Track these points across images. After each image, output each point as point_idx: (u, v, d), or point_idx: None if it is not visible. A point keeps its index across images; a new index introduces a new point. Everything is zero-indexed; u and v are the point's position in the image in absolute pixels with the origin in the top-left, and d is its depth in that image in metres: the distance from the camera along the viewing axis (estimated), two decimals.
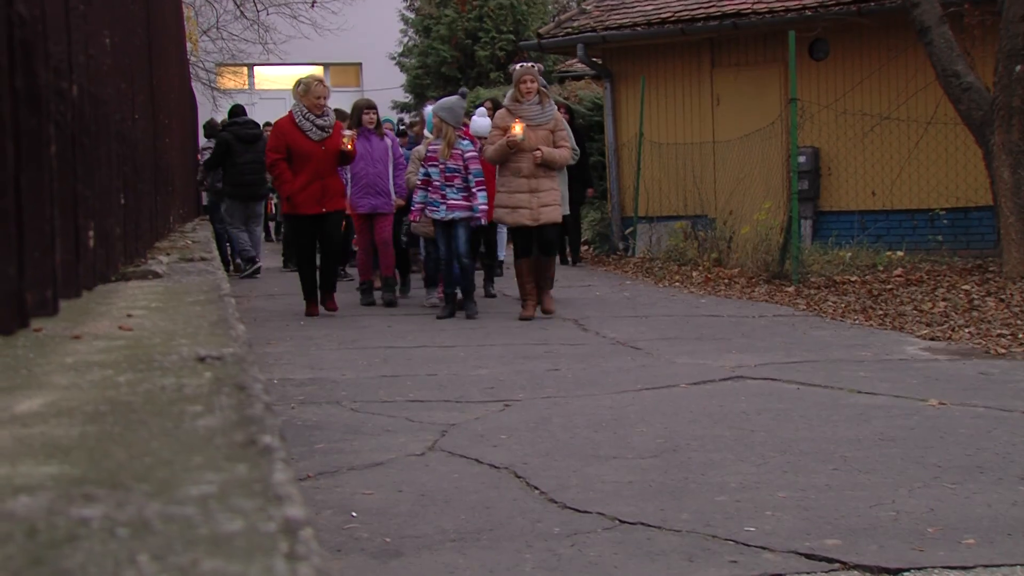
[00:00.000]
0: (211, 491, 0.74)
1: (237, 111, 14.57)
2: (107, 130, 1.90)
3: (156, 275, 2.52)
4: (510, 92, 9.78)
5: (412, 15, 24.58)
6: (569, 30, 16.82)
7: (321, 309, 10.27)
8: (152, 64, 3.22)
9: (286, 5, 19.86)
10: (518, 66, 9.91)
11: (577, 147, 11.45)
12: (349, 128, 10.72)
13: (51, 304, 1.13)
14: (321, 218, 10.06)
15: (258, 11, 19.67)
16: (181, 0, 8.75)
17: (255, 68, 26.06)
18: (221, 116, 22.38)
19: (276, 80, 25.18)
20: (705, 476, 4.60)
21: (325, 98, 10.05)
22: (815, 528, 3.91)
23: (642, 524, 3.98)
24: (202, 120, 16.03)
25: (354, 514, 4.16)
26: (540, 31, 17.91)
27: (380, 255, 11.15)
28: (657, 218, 15.87)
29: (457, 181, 9.79)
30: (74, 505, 0.74)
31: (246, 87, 25.80)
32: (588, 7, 17.63)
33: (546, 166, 9.72)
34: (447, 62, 22.62)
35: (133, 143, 2.29)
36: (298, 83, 10.15)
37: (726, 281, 12.09)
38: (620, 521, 4.02)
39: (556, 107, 9.69)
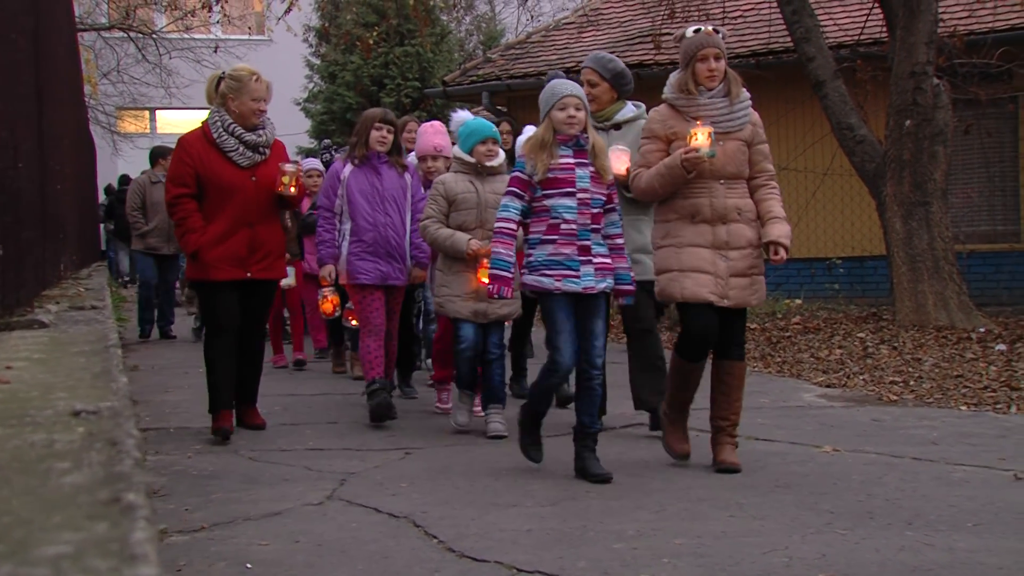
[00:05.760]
0: (67, 551, 0.73)
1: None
2: None
3: (42, 324, 2.47)
4: (674, 77, 5.75)
5: (317, 61, 24.57)
6: (474, 78, 17.00)
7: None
8: (43, 109, 3.17)
9: (189, 49, 19.71)
10: (689, 31, 5.69)
11: None
12: (353, 147, 7.32)
13: None
14: (244, 288, 6.57)
15: (160, 55, 19.50)
16: (77, 42, 8.59)
17: (157, 112, 25.81)
18: (121, 160, 22.17)
19: (179, 124, 24.92)
20: (603, 524, 4.61)
21: (266, 102, 6.53)
22: (710, 575, 3.95)
23: (539, 572, 3.97)
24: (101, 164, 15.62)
25: (249, 565, 4.09)
26: (446, 79, 18.05)
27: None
28: None
29: (602, 223, 5.60)
30: None
31: (148, 131, 25.53)
32: (493, 56, 17.85)
33: (743, 207, 5.67)
34: (353, 108, 22.60)
35: (15, 192, 2.25)
36: (219, 78, 6.55)
37: None
38: (518, 570, 4.01)
39: (750, 100, 5.78)
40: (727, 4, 14.64)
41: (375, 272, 7.08)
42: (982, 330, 10.53)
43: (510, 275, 5.50)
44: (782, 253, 5.57)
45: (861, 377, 8.70)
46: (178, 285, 15.43)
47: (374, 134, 7.15)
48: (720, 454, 5.71)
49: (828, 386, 8.52)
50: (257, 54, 21.50)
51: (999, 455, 5.89)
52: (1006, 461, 5.73)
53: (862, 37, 13.53)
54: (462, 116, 7.22)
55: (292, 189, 6.53)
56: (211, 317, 6.63)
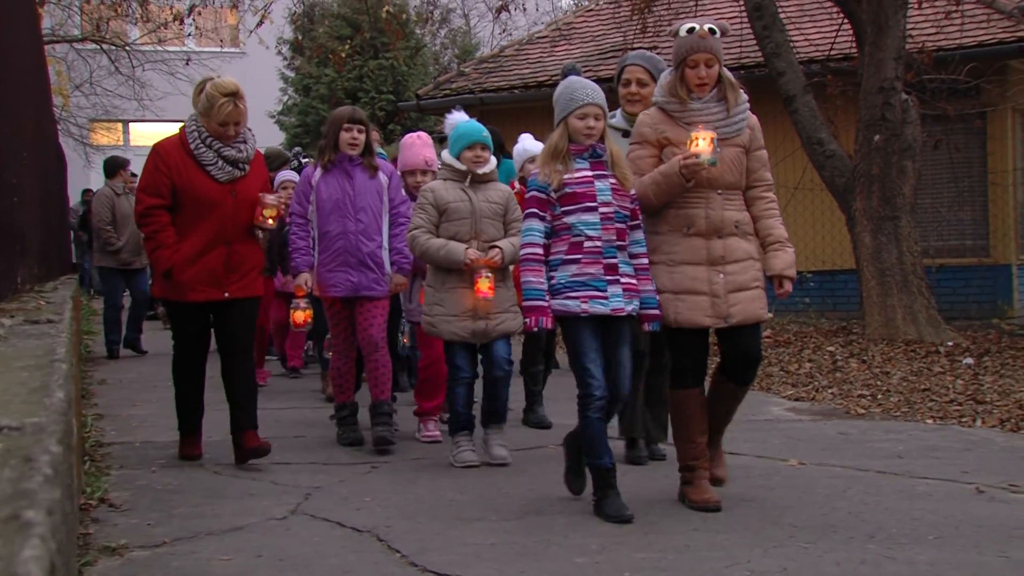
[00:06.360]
0: None
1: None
2: None
3: None
4: (665, 79, 5.29)
5: (292, 74, 24.58)
6: (447, 91, 17.06)
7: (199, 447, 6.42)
8: None
9: (163, 62, 19.63)
10: (683, 29, 5.17)
11: None
12: (323, 151, 6.82)
13: None
14: (221, 309, 6.16)
15: (133, 67, 19.41)
16: (44, 54, 8.51)
17: (130, 124, 25.74)
18: (94, 172, 22.06)
19: (152, 137, 24.67)
20: (567, 538, 4.61)
21: (238, 124, 6.02)
22: None
23: None
24: (70, 177, 15.26)
25: None
26: (419, 92, 18.10)
27: (367, 365, 6.75)
28: None
29: (627, 239, 5.14)
30: None
31: (120, 143, 25.46)
32: (467, 69, 17.93)
33: (740, 220, 5.21)
34: (327, 121, 22.63)
35: None
36: (200, 88, 6.10)
37: None
38: None
39: (748, 104, 5.30)
40: (699, 19, 14.70)
41: (345, 284, 6.62)
42: (950, 344, 10.61)
43: (546, 304, 4.97)
44: (787, 287, 5.18)
45: (830, 391, 8.74)
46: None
47: (343, 136, 6.69)
48: (713, 468, 5.28)
49: (796, 400, 8.55)
50: (231, 67, 21.47)
51: (963, 468, 5.93)
52: (969, 474, 5.77)
53: (832, 52, 13.62)
54: (455, 118, 6.65)
55: (271, 221, 6.10)
56: (182, 337, 6.26)
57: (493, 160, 6.39)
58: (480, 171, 6.24)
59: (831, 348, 10.77)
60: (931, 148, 12.82)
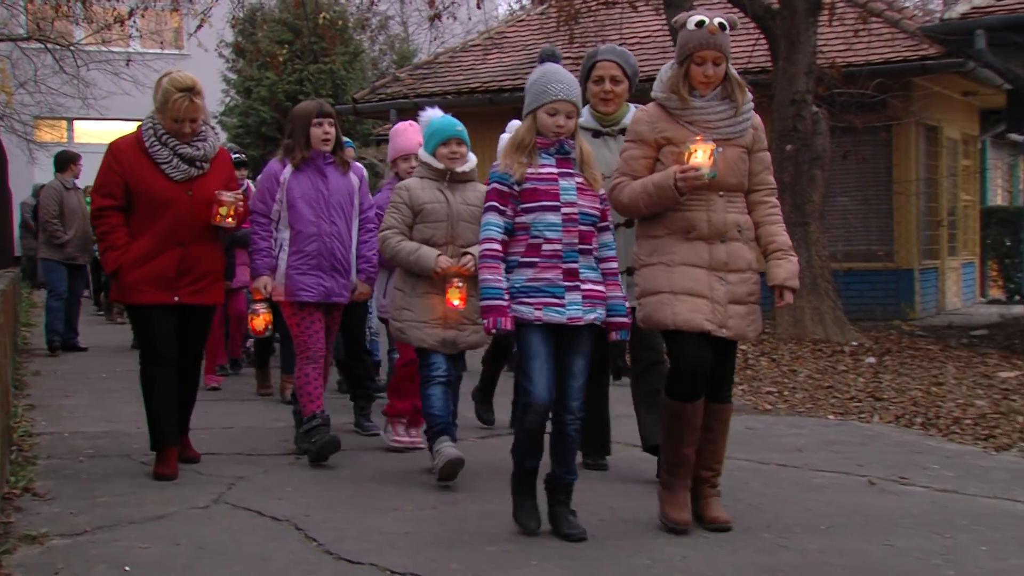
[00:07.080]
0: None
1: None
2: None
3: None
4: (666, 73, 4.91)
5: (234, 76, 24.62)
6: (383, 96, 17.33)
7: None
8: None
9: (107, 62, 19.51)
10: (691, 22, 4.79)
11: None
12: (290, 150, 6.31)
13: None
14: (180, 314, 5.88)
15: (78, 66, 19.29)
16: None
17: (74, 122, 25.65)
18: (37, 168, 21.91)
19: (96, 135, 24.63)
20: (479, 527, 4.79)
21: (195, 122, 5.82)
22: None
23: (412, 574, 4.13)
24: (14, 173, 14.98)
25: (128, 568, 4.19)
26: (355, 96, 18.31)
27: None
28: None
29: (593, 242, 4.79)
30: None
31: (64, 140, 25.37)
32: (402, 75, 18.17)
33: (743, 223, 4.87)
34: (267, 123, 22.78)
35: None
36: (159, 83, 5.89)
37: None
38: (392, 572, 4.16)
39: (752, 104, 4.93)
40: (624, 31, 15.02)
41: (318, 288, 6.15)
42: (855, 344, 11.00)
43: (505, 303, 4.60)
44: (788, 298, 4.85)
45: (740, 387, 8.98)
46: (86, 294, 15.09)
47: (315, 132, 6.22)
48: (708, 510, 4.83)
49: None
50: (174, 67, 21.36)
51: (858, 462, 6.20)
52: (863, 467, 6.04)
53: (749, 65, 13.92)
54: (429, 114, 6.06)
55: (229, 220, 5.80)
56: (146, 344, 5.91)
57: (473, 157, 5.96)
58: (458, 168, 5.82)
59: (743, 347, 11.06)
60: (840, 158, 13.28)
